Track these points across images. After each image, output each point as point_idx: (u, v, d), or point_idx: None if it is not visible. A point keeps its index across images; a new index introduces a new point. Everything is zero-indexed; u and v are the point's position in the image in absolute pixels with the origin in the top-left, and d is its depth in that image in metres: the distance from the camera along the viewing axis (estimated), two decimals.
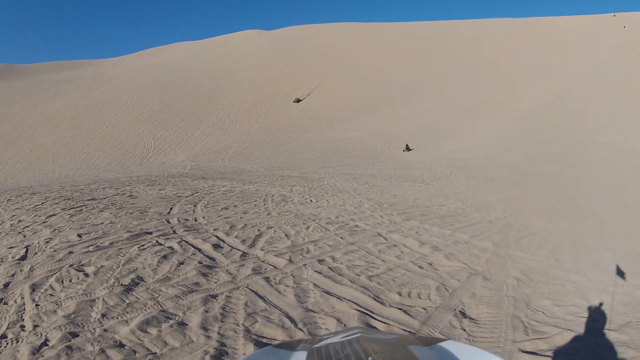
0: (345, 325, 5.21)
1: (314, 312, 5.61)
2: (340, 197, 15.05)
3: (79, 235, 9.06)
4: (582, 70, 54.79)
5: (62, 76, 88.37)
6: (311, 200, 14.24)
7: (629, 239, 10.67)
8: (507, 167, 23.71)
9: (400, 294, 6.16)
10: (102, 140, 53.38)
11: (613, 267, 7.92)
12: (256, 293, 6.19)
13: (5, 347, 4.69)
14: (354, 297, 6.06)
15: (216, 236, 9.26)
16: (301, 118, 58.38)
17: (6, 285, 6.40)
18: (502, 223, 11.24)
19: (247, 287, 6.41)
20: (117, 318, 5.31)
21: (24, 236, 9.28)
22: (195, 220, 10.91)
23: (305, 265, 7.47)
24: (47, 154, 50.08)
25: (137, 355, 4.52)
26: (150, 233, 9.31)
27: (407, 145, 33.92)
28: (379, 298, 6.01)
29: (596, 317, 5.70)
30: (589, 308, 5.97)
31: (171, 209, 12.29)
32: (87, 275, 6.75)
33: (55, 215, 11.38)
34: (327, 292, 6.22)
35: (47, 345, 4.71)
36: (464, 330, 5.17)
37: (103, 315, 5.36)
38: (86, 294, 5.97)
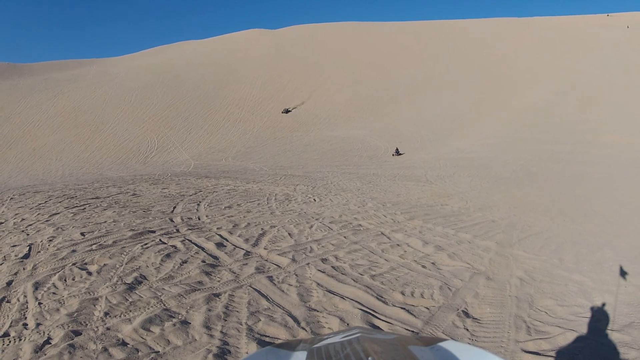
0: (348, 324, 5.21)
1: (317, 311, 5.61)
2: (343, 196, 15.06)
3: (82, 234, 9.07)
4: (584, 69, 54.63)
5: (65, 75, 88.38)
6: (315, 199, 14.25)
7: (632, 238, 10.66)
8: (509, 166, 23.67)
9: (403, 294, 6.16)
10: (105, 139, 53.40)
11: (616, 267, 7.92)
12: (259, 292, 6.19)
13: (8, 345, 4.70)
14: (357, 296, 6.06)
15: (219, 235, 9.27)
16: (305, 117, 58.32)
17: (9, 283, 6.41)
18: (505, 223, 11.24)
19: (250, 285, 6.41)
20: (120, 316, 5.32)
21: (27, 234, 9.30)
22: (199, 219, 10.92)
23: (308, 264, 7.47)
24: (51, 153, 50.10)
25: (139, 353, 4.53)
26: (154, 232, 9.32)
27: (397, 149, 33.54)
28: (382, 297, 6.01)
29: (599, 317, 5.70)
30: (592, 308, 5.97)
31: (174, 207, 12.30)
32: (90, 273, 6.76)
33: (58, 213, 11.40)
34: (330, 291, 6.22)
35: (50, 343, 4.72)
36: (467, 330, 5.17)
37: (106, 314, 5.37)
38: (89, 293, 5.98)
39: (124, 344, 4.72)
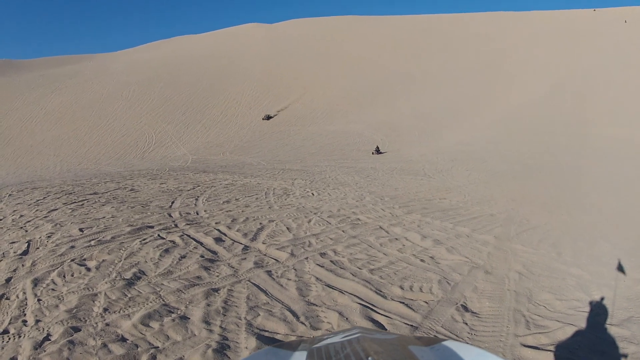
0: (347, 318, 5.21)
1: (316, 305, 5.62)
2: (342, 190, 15.06)
3: (81, 230, 9.09)
4: (581, 63, 54.69)
5: (62, 71, 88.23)
6: (313, 194, 14.26)
7: (629, 232, 10.68)
8: (507, 159, 23.70)
9: (402, 288, 6.16)
10: (103, 134, 53.36)
11: (614, 261, 7.93)
12: (258, 287, 6.20)
13: (7, 342, 4.71)
14: (356, 290, 6.07)
15: (218, 230, 9.27)
16: (302, 111, 58.28)
17: (8, 280, 6.43)
18: (504, 216, 11.24)
19: (249, 280, 6.42)
20: (119, 312, 5.33)
21: (26, 231, 9.30)
22: (197, 213, 10.93)
23: (307, 258, 7.48)
24: (49, 149, 50.06)
25: (139, 349, 4.54)
26: (152, 227, 9.33)
27: (377, 147, 32.87)
28: (381, 291, 6.01)
29: (598, 311, 5.71)
30: (591, 302, 5.97)
31: (173, 202, 12.30)
32: (89, 269, 6.78)
33: (56, 209, 11.41)
34: (329, 286, 6.23)
35: (50, 340, 4.73)
36: (466, 324, 5.17)
37: (105, 310, 5.38)
38: (88, 289, 6.00)
39: (123, 339, 4.73)
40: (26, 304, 5.60)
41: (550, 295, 6.00)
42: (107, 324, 5.03)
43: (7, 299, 5.81)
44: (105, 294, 5.83)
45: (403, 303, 5.65)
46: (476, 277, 6.68)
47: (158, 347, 4.61)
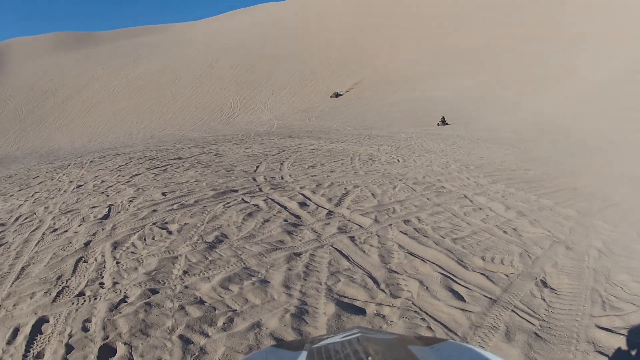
0: (427, 287, 5.15)
1: (397, 273, 5.57)
2: (427, 158, 14.97)
3: (164, 194, 9.32)
4: None
5: (142, 40, 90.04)
6: (398, 160, 14.24)
7: None
8: (591, 133, 22.93)
9: (483, 259, 6.07)
10: (187, 101, 54.29)
11: None
12: (340, 252, 6.20)
13: (82, 304, 4.82)
14: (438, 259, 6.00)
15: (302, 194, 9.37)
16: (389, 77, 57.79)
17: (87, 243, 6.61)
18: (587, 191, 10.93)
19: (331, 245, 6.42)
20: (198, 275, 5.42)
21: (107, 196, 9.59)
22: (282, 178, 11.06)
23: (390, 225, 7.42)
24: (131, 116, 51.27)
25: (216, 312, 4.59)
26: (236, 191, 9.47)
27: (442, 117, 31.82)
28: (463, 262, 5.94)
29: None
30: None
31: (257, 167, 12.47)
32: (170, 232, 6.92)
33: (139, 174, 11.71)
34: (411, 254, 6.17)
35: (126, 302, 4.83)
36: (544, 300, 5.05)
37: (185, 272, 5.49)
38: (168, 252, 6.12)
39: (201, 302, 4.80)
40: (104, 267, 5.74)
41: (627, 277, 5.81)
42: (186, 287, 5.12)
43: (85, 262, 5.96)
44: (185, 256, 5.94)
45: (484, 275, 5.57)
46: (557, 252, 6.53)
47: (236, 310, 4.64)
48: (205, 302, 4.81)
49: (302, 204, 8.55)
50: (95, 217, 8.05)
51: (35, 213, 8.86)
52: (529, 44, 58.37)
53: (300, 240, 6.61)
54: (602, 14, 62.30)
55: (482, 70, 52.42)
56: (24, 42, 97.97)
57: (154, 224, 7.38)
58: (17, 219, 8.53)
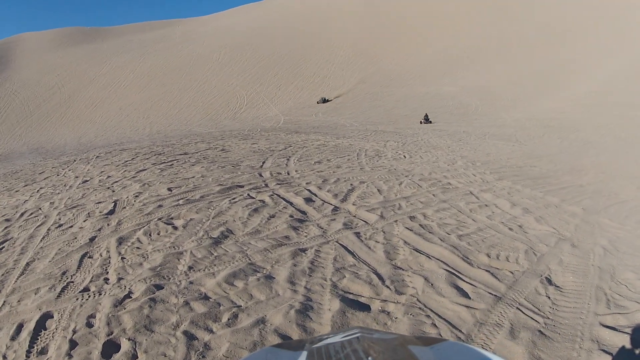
0: (432, 284, 5.15)
1: (402, 269, 5.57)
2: (433, 154, 14.99)
3: (169, 189, 9.34)
4: None
5: (150, 36, 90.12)
6: (404, 156, 14.24)
7: None
8: (600, 130, 22.89)
9: (489, 256, 6.06)
10: (193, 97, 54.39)
11: None
12: (346, 248, 6.20)
13: (87, 300, 4.85)
14: (443, 256, 6.00)
15: (308, 190, 9.37)
16: (396, 72, 57.78)
17: (92, 239, 6.63)
18: (592, 188, 10.90)
19: (337, 241, 6.43)
20: (203, 270, 5.43)
21: (113, 191, 9.62)
22: (288, 173, 11.07)
23: (396, 221, 7.42)
24: (138, 111, 51.41)
25: (221, 307, 4.61)
26: (242, 186, 9.48)
27: (426, 115, 31.03)
28: (468, 258, 5.93)
29: None
30: None
31: (264, 162, 12.49)
32: (175, 228, 6.93)
33: (145, 170, 11.75)
34: (417, 250, 6.17)
35: (131, 297, 4.85)
36: (549, 297, 5.04)
37: (190, 268, 5.50)
38: (174, 247, 6.14)
39: (206, 297, 4.81)
40: (109, 262, 5.76)
41: (632, 275, 5.79)
42: (191, 282, 5.13)
43: (90, 257, 5.99)
44: (191, 252, 5.95)
45: (489, 272, 5.56)
46: (562, 250, 6.51)
47: (240, 306, 4.66)
48: (210, 297, 4.82)
49: (308, 200, 8.56)
50: (100, 212, 8.07)
51: (40, 208, 8.90)
52: (538, 42, 58.22)
53: (306, 236, 6.62)
54: (610, 10, 62.01)
55: (492, 68, 52.35)
56: (32, 37, 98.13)
57: (160, 219, 7.39)
58: (22, 215, 8.57)
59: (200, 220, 7.27)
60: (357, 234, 6.75)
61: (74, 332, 4.26)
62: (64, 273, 5.54)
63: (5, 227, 7.82)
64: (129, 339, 4.11)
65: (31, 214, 8.56)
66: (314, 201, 8.52)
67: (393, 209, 8.16)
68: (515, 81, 44.63)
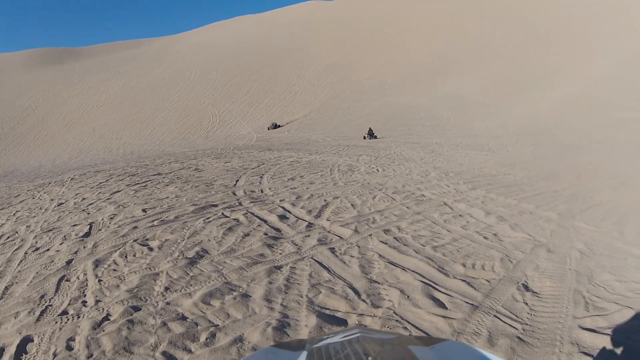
0: (408, 296, 5.18)
1: (378, 283, 5.60)
2: (406, 166, 15.06)
3: (144, 210, 9.31)
4: None
5: (122, 55, 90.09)
6: (377, 170, 14.31)
7: None
8: (574, 133, 23.10)
9: (464, 265, 6.10)
10: (166, 116, 54.32)
11: None
12: (321, 264, 6.22)
13: (65, 323, 4.83)
14: (419, 267, 6.03)
15: (282, 207, 9.38)
16: (368, 85, 58.05)
17: (69, 262, 6.60)
18: (568, 193, 11.00)
19: (312, 257, 6.45)
20: (180, 291, 5.43)
21: (88, 213, 9.56)
22: (262, 191, 11.09)
23: (370, 235, 7.46)
24: (111, 132, 51.25)
25: (198, 327, 4.61)
26: (216, 205, 9.49)
27: (370, 129, 30.30)
28: (443, 269, 5.96)
29: None
30: None
31: (237, 181, 12.50)
32: (151, 249, 6.92)
33: (119, 191, 11.72)
34: (392, 263, 6.20)
35: (109, 319, 4.84)
36: (526, 304, 5.08)
37: (166, 289, 5.49)
38: (150, 268, 6.13)
39: (183, 318, 4.81)
40: (86, 285, 5.74)
41: (610, 276, 5.85)
42: (168, 303, 5.13)
43: (67, 280, 5.96)
44: (167, 273, 5.94)
45: (465, 281, 5.60)
46: (538, 256, 6.56)
47: (218, 325, 4.66)
48: (188, 317, 4.82)
49: (282, 217, 8.57)
50: (76, 235, 8.03)
51: (17, 232, 8.82)
52: (514, 48, 58.80)
53: (281, 254, 6.64)
54: (585, 14, 62.81)
55: (467, 75, 52.77)
56: (3, 58, 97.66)
57: (135, 240, 7.38)
58: None
59: (176, 241, 7.26)
60: (332, 250, 6.77)
61: (55, 355, 4.26)
62: (42, 296, 5.52)
63: None
64: None
65: (8, 237, 8.48)
66: (288, 218, 8.54)
67: (367, 223, 8.20)
68: (490, 87, 45.04)
